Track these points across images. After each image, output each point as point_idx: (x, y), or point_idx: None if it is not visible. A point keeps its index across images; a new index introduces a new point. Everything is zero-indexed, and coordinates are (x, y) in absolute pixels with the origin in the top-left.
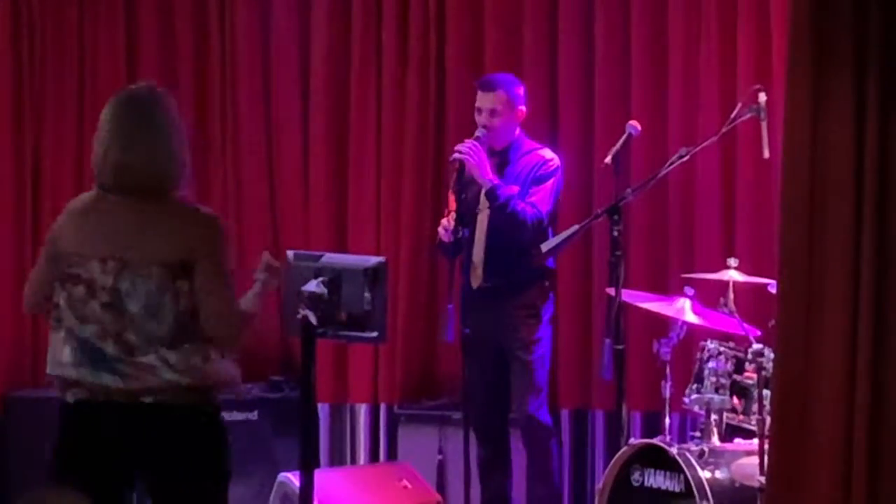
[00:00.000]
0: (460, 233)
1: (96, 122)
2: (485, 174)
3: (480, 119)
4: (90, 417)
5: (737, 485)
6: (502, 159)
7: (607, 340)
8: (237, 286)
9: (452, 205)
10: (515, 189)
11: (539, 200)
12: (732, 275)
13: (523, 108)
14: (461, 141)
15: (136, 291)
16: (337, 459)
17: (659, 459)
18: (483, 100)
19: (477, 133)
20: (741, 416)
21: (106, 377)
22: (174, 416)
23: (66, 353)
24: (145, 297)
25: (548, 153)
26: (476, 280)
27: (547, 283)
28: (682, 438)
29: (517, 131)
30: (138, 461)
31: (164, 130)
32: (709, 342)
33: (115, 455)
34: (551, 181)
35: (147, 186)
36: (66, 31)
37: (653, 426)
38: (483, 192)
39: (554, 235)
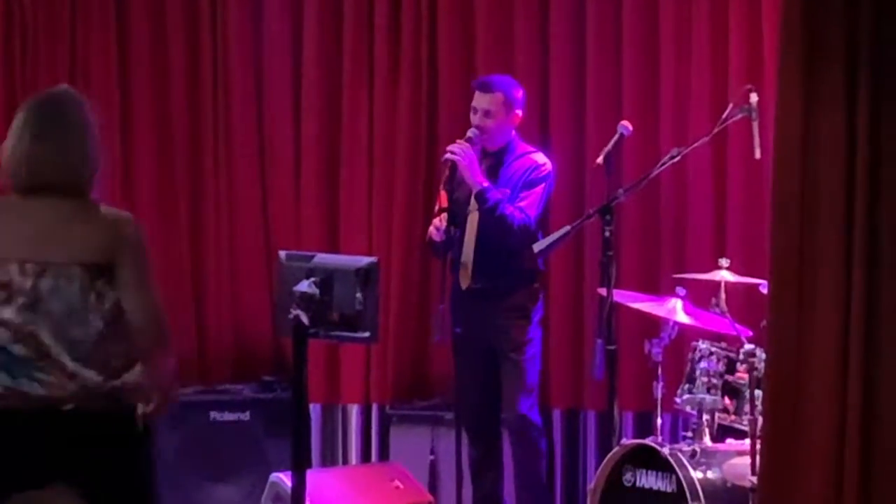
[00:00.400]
0: (452, 232)
1: None
2: (475, 176)
3: (475, 119)
4: (8, 425)
5: (728, 485)
6: (496, 161)
7: (599, 341)
8: (226, 288)
9: (444, 202)
10: (505, 192)
11: (528, 205)
12: (724, 275)
13: (520, 112)
14: (453, 142)
15: (57, 293)
16: (329, 460)
17: (651, 460)
18: (479, 100)
19: (469, 133)
20: (733, 417)
21: (24, 383)
22: (96, 424)
23: None
24: (68, 299)
25: (540, 158)
26: (465, 281)
27: (536, 285)
28: (674, 439)
29: (512, 134)
30: (58, 471)
31: (76, 130)
32: (700, 342)
33: (34, 464)
34: (541, 186)
35: (60, 185)
36: (58, 32)
37: (644, 426)
38: (473, 193)
39: (548, 233)
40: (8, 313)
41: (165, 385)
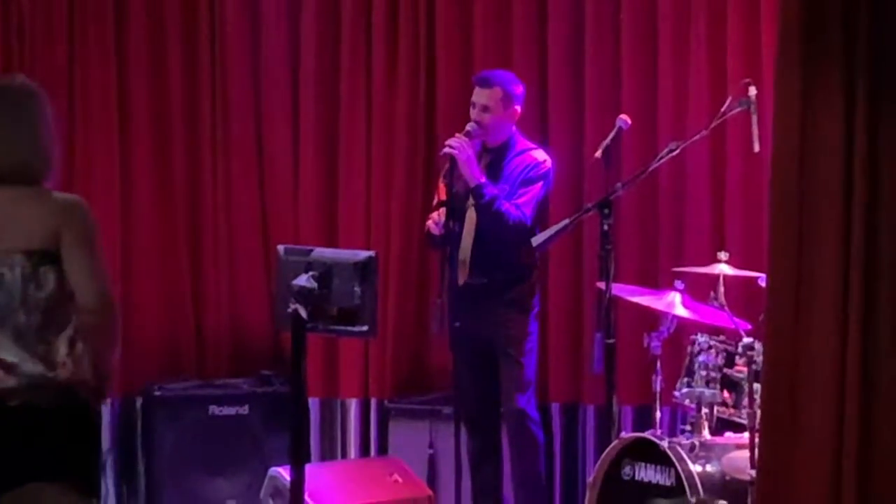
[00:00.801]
0: (451, 226)
1: (86, 120)
2: (472, 171)
3: (473, 114)
4: None
5: (727, 478)
6: (496, 157)
7: (598, 334)
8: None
9: (442, 195)
10: (503, 189)
11: (524, 202)
12: (723, 268)
13: (519, 107)
14: (451, 136)
15: (1, 282)
16: (327, 454)
17: (649, 453)
18: (478, 95)
19: (467, 128)
20: (732, 410)
21: None
22: (46, 419)
23: None
24: (9, 288)
25: (540, 155)
26: (463, 276)
27: (533, 280)
28: (673, 432)
29: (512, 130)
30: (17, 469)
31: (30, 122)
32: (699, 336)
33: None
34: (539, 184)
35: (8, 174)
36: (55, 31)
37: (643, 420)
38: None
39: (547, 226)
40: None
41: (107, 375)
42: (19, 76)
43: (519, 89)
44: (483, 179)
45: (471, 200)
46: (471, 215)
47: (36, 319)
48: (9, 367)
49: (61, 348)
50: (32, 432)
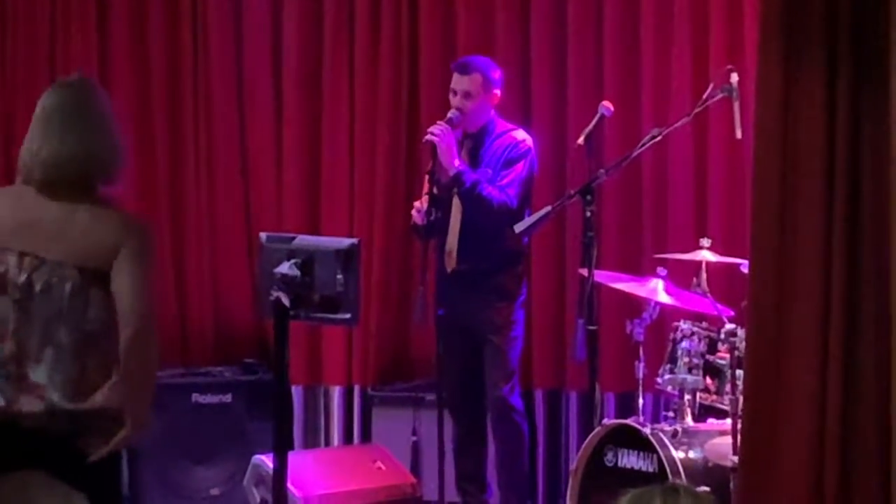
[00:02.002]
0: (433, 215)
1: None
2: (451, 159)
3: (454, 101)
4: None
5: (710, 464)
6: (476, 142)
7: (580, 321)
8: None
9: (427, 188)
10: (483, 173)
11: (508, 183)
12: (705, 255)
13: (498, 91)
14: (434, 123)
15: (49, 293)
16: (311, 441)
17: (632, 440)
18: (458, 82)
19: (449, 115)
20: (714, 397)
21: None
22: (56, 447)
23: None
24: (58, 301)
25: (520, 134)
26: (451, 264)
27: (520, 267)
28: (656, 419)
29: (491, 113)
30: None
31: (98, 124)
32: (682, 322)
33: None
34: (522, 163)
35: (75, 182)
36: (37, 24)
37: (626, 407)
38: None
39: (530, 212)
40: (3, 305)
41: (140, 409)
42: (77, 75)
43: (497, 73)
44: (462, 167)
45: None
46: (456, 203)
47: (76, 336)
48: (34, 388)
49: (92, 374)
50: (44, 460)
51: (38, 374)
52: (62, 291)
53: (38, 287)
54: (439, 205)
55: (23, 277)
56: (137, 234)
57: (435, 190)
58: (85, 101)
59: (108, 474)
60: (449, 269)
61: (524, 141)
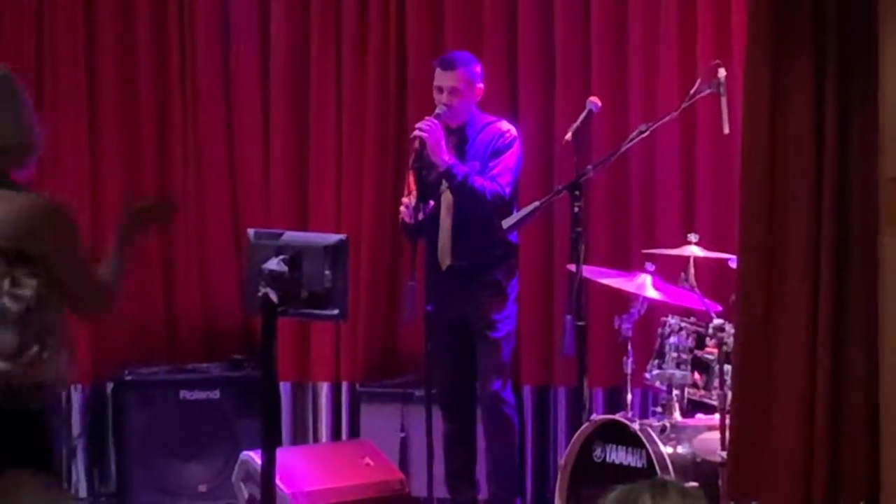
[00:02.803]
0: (421, 212)
1: (55, 109)
2: (441, 154)
3: (441, 98)
4: None
5: (698, 460)
6: (460, 137)
7: (568, 317)
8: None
9: (413, 184)
10: (473, 166)
11: (499, 173)
12: (693, 250)
13: (481, 85)
14: (422, 119)
15: None
16: (299, 438)
17: (621, 435)
18: (443, 78)
19: (437, 111)
20: (702, 392)
21: None
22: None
23: None
24: None
25: (504, 125)
26: (445, 260)
27: (513, 262)
28: (644, 414)
29: (473, 108)
30: None
31: (7, 113)
32: (670, 318)
33: None
34: (509, 152)
35: None
36: (24, 14)
37: (614, 402)
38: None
39: (518, 207)
40: None
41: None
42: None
43: (478, 67)
44: (452, 161)
45: (444, 185)
46: (446, 199)
47: (9, 318)
48: None
49: (32, 347)
50: None
51: None
52: None
53: None
54: (428, 200)
55: None
56: (58, 215)
57: (424, 183)
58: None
59: (41, 431)
60: (444, 265)
61: (509, 131)
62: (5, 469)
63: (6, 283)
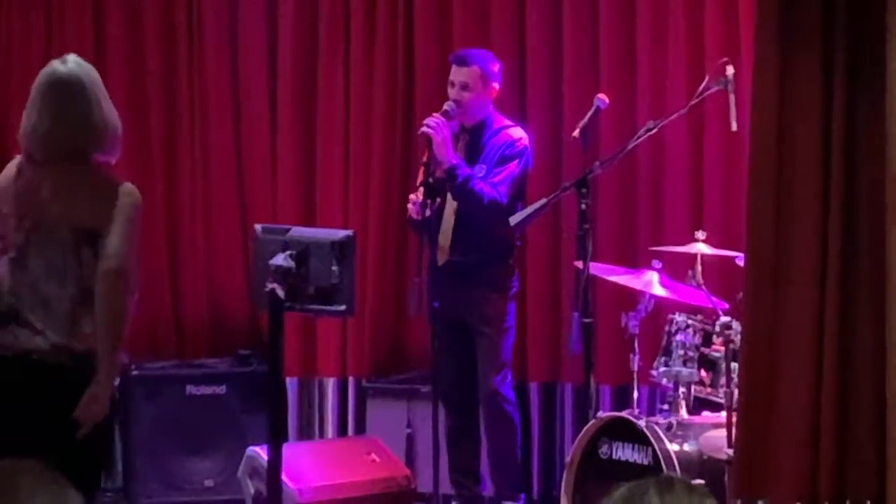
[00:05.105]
0: (428, 207)
1: None
2: (446, 153)
3: (452, 93)
4: None
5: (705, 457)
6: (473, 137)
7: (575, 314)
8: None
9: (421, 179)
10: (476, 169)
11: (500, 181)
12: (700, 248)
13: (496, 85)
14: (429, 116)
15: (41, 250)
16: (305, 433)
17: (627, 432)
18: (456, 74)
19: (445, 107)
20: (709, 389)
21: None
22: (63, 375)
23: None
24: (51, 257)
25: (517, 132)
26: (443, 256)
27: (512, 260)
28: (651, 411)
29: (489, 108)
30: (29, 417)
31: (91, 99)
32: (677, 315)
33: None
34: (515, 162)
35: (70, 153)
36: (33, 7)
37: (621, 399)
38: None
39: (525, 206)
40: (2, 262)
41: (109, 349)
42: (72, 57)
43: (496, 67)
44: (456, 161)
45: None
46: (451, 196)
47: (67, 293)
48: (37, 332)
49: (85, 324)
50: (51, 386)
51: (37, 320)
52: (56, 250)
53: (31, 248)
54: (435, 197)
55: (21, 238)
56: (127, 196)
57: (430, 180)
58: (77, 79)
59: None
60: (441, 261)
61: (521, 139)
62: (66, 431)
63: (73, 261)
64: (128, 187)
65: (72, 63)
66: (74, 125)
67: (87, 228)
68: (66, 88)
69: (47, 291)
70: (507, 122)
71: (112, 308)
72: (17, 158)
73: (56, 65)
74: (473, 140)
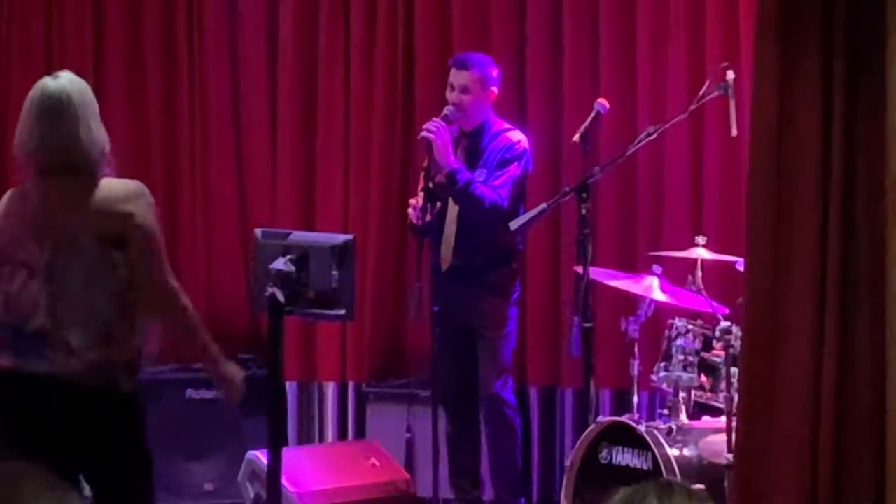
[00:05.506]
0: (428, 212)
1: None
2: (447, 157)
3: (451, 96)
4: (13, 390)
5: (704, 462)
6: (472, 141)
7: (576, 318)
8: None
9: (422, 184)
10: (477, 173)
11: (501, 184)
12: (700, 252)
13: (495, 89)
14: (429, 119)
15: (73, 264)
16: (305, 438)
17: (627, 437)
18: (456, 77)
19: (445, 111)
20: (709, 394)
21: (32, 361)
22: (89, 398)
23: None
24: (84, 269)
25: (516, 135)
26: (446, 260)
27: (514, 265)
28: (651, 416)
29: (488, 112)
30: (55, 436)
31: (81, 118)
32: (677, 320)
33: (37, 427)
34: (514, 165)
35: (72, 166)
36: (33, 13)
37: (621, 404)
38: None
39: (525, 211)
40: (32, 288)
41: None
42: (64, 73)
43: (495, 71)
44: (456, 165)
45: None
46: (453, 201)
47: (110, 298)
48: (74, 352)
49: (120, 331)
50: (78, 409)
51: (74, 337)
52: (84, 262)
53: (60, 263)
54: (435, 201)
55: (45, 259)
56: (141, 194)
57: (431, 184)
58: (67, 96)
59: (137, 414)
60: (444, 266)
61: (520, 142)
62: (96, 453)
63: (106, 267)
64: (135, 187)
65: (63, 80)
66: (60, 142)
67: (109, 234)
68: (55, 105)
69: (87, 303)
70: (507, 126)
71: (178, 319)
72: (19, 186)
73: (47, 81)
74: (473, 144)
